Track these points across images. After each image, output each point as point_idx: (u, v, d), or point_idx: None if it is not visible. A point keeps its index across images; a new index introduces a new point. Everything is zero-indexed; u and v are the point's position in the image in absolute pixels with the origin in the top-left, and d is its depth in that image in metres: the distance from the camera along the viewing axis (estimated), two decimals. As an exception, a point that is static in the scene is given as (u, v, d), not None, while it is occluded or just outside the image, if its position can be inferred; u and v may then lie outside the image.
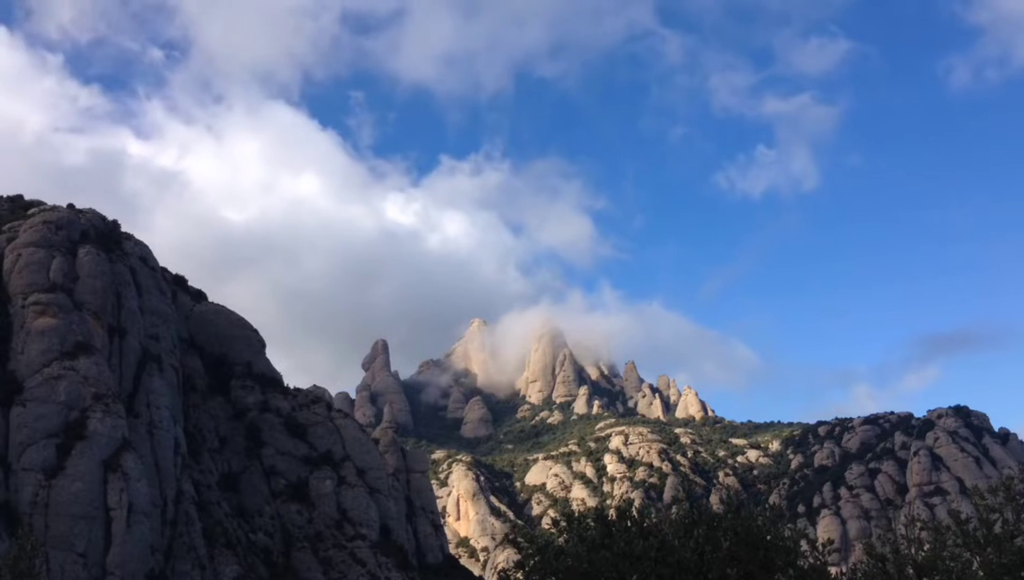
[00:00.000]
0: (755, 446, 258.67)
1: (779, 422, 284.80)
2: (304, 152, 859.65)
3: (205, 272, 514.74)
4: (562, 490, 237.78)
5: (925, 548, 19.35)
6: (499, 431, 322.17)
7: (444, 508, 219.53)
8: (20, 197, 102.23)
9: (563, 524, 20.58)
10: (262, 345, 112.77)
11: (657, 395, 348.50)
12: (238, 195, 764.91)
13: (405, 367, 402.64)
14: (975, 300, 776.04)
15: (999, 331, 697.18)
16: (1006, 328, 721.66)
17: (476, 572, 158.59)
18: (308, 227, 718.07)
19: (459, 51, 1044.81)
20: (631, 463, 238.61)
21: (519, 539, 20.37)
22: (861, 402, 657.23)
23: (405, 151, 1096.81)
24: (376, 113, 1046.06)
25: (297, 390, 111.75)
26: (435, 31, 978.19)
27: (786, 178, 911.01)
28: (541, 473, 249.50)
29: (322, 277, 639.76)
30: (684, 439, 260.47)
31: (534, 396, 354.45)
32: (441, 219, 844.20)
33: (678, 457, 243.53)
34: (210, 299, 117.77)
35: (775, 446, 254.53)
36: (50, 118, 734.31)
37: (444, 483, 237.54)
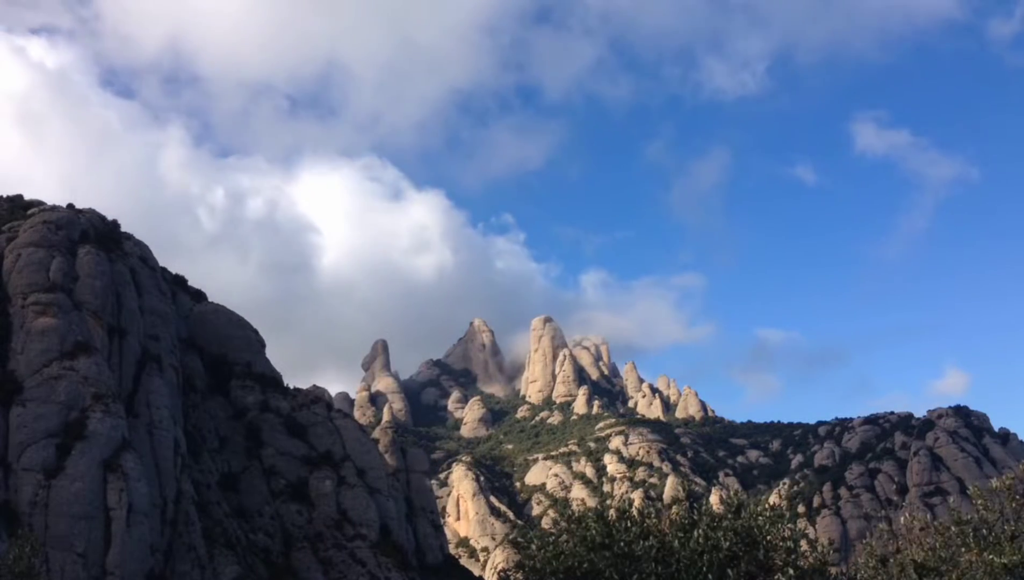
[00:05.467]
0: (755, 446, 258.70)
1: (779, 422, 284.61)
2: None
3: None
4: (562, 490, 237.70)
5: (925, 548, 19.33)
6: (499, 431, 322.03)
7: (444, 508, 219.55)
8: (20, 197, 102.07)
9: (563, 524, 20.56)
10: (262, 345, 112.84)
11: (657, 395, 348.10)
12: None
13: (405, 367, 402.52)
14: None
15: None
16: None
17: (476, 572, 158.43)
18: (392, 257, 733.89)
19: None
20: (631, 463, 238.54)
21: (519, 539, 20.37)
22: (861, 402, 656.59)
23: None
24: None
25: (297, 390, 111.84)
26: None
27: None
28: (541, 473, 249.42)
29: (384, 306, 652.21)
30: (684, 439, 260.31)
31: (534, 396, 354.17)
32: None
33: (678, 457, 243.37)
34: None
35: (775, 446, 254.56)
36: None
37: (444, 483, 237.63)
